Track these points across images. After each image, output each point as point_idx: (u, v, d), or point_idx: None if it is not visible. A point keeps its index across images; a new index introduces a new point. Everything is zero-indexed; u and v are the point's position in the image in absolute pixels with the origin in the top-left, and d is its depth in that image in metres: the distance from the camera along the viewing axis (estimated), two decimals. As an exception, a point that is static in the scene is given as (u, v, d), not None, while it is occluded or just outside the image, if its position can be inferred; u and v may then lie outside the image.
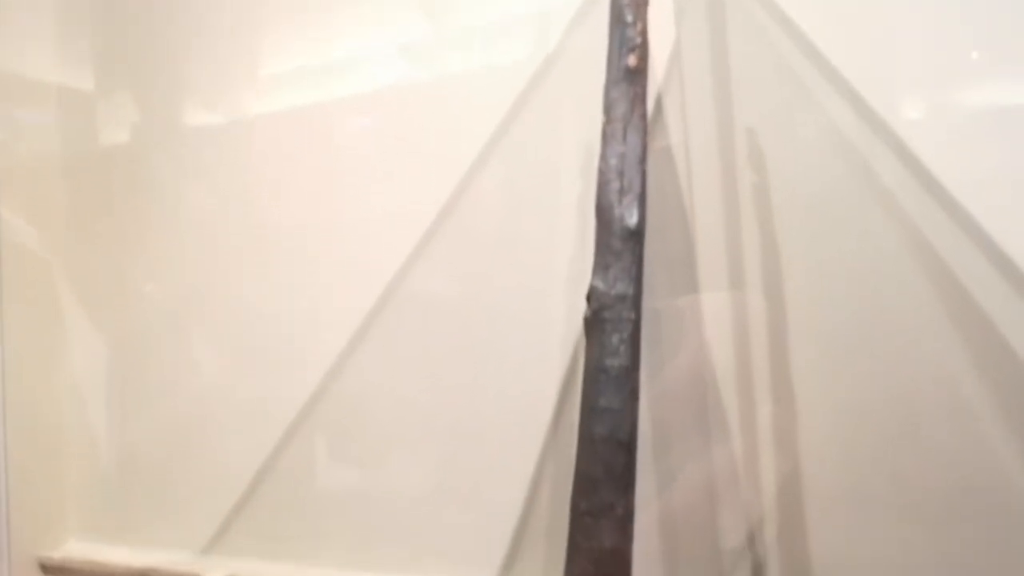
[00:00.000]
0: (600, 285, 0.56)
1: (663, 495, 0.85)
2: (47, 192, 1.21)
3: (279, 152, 1.05)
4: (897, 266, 0.73)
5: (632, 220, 0.56)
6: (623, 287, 0.55)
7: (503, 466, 0.91)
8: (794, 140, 0.78)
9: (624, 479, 0.51)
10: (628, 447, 0.52)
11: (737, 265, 0.79)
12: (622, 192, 0.57)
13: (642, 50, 0.60)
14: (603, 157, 0.58)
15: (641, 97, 0.59)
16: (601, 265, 0.56)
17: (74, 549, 1.17)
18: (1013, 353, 0.69)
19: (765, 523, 0.80)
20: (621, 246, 0.56)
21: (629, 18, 0.60)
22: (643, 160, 0.57)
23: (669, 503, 0.85)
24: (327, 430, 1.02)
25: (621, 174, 0.57)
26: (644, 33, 0.61)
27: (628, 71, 0.59)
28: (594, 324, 0.56)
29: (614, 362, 0.54)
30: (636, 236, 0.56)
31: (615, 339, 0.54)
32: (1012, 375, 0.70)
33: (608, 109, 0.59)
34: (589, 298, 0.57)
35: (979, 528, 0.71)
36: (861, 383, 0.75)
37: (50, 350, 1.21)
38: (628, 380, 0.53)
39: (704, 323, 0.80)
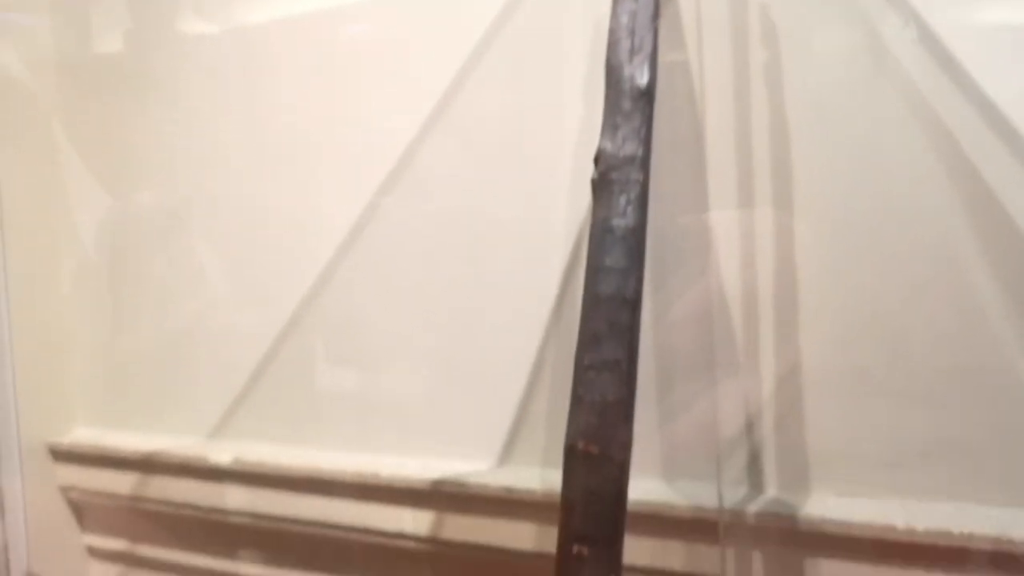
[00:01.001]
0: (608, 146, 0.55)
1: (662, 381, 0.86)
2: (41, 99, 1.19)
3: (278, 56, 1.04)
4: (910, 153, 0.72)
5: (643, 80, 0.55)
6: (632, 148, 0.54)
7: (504, 351, 0.92)
8: (808, 19, 0.76)
9: (628, 335, 0.51)
10: (633, 305, 0.52)
11: (745, 146, 0.78)
12: (632, 52, 0.55)
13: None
14: (614, 15, 0.56)
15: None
16: (610, 126, 0.55)
17: (82, 435, 1.19)
18: (1020, 238, 0.69)
19: (763, 410, 0.82)
20: (631, 107, 0.55)
21: None
22: (655, 18, 0.56)
23: (668, 390, 0.86)
24: (329, 318, 1.03)
25: (632, 32, 0.55)
26: None
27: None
28: (601, 186, 0.55)
29: (620, 223, 0.54)
30: (646, 96, 0.55)
31: (622, 200, 0.54)
32: (1018, 260, 0.70)
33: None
34: (597, 160, 0.56)
35: (979, 411, 0.72)
36: (868, 270, 0.75)
37: (54, 245, 1.21)
38: (634, 240, 0.53)
39: (710, 203, 0.79)
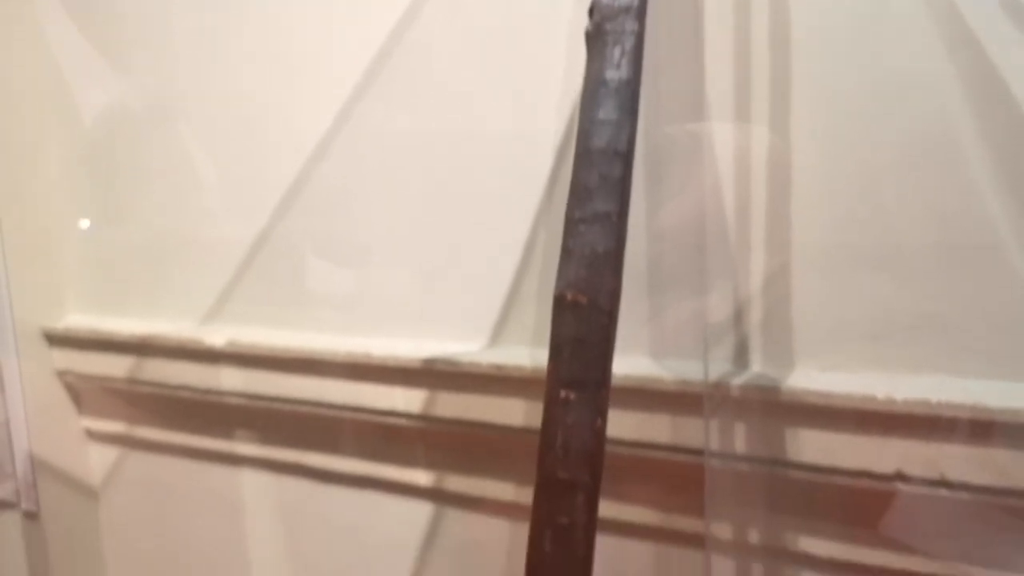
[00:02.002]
0: (604, -3, 0.54)
1: (652, 262, 0.87)
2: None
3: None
4: (908, 25, 0.71)
5: (639, -73, 0.53)
6: (628, -2, 0.53)
7: (495, 233, 0.92)
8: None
9: (619, 189, 0.51)
10: (625, 158, 0.52)
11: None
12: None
13: None
14: None
15: None
16: (605, -25, 0.54)
17: (76, 321, 1.20)
18: (1017, 108, 0.69)
19: (751, 288, 0.82)
20: (627, -45, 0.53)
21: None
22: None
23: (658, 270, 0.87)
24: (318, 204, 1.02)
25: None
26: None
27: None
28: (595, 38, 0.54)
29: (614, 75, 0.53)
30: (643, -56, 0.53)
31: (616, 52, 0.53)
32: (1015, 136, 0.69)
33: None
34: (591, 12, 0.55)
35: (964, 287, 0.72)
36: (861, 147, 0.75)
37: (41, 131, 1.19)
38: (628, 92, 0.52)
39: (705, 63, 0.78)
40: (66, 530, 1.21)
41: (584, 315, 0.51)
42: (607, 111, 0.52)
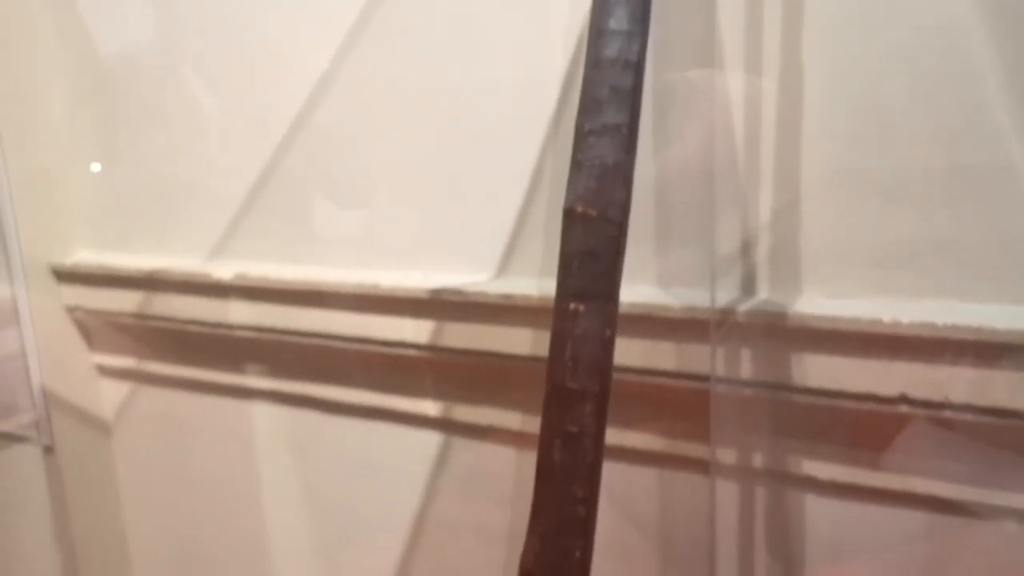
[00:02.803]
0: (614, -97, 0.52)
1: (660, 191, 0.86)
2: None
3: None
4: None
5: None
6: (638, -96, 0.52)
7: (502, 163, 0.92)
8: None
9: (630, 99, 0.51)
10: (636, 69, 0.51)
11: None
12: None
13: None
14: None
15: None
16: None
17: (84, 257, 1.20)
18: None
19: (760, 216, 0.82)
20: None
21: None
22: None
23: (666, 199, 0.87)
24: (323, 137, 1.02)
25: None
26: None
27: None
28: (606, -53, 0.53)
29: (626, -16, 0.52)
30: None
31: (627, -40, 0.52)
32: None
33: None
34: (602, -81, 0.54)
35: (973, 210, 0.72)
36: (871, 67, 0.73)
37: (44, 74, 1.18)
38: (639, 1, 0.51)
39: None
40: (81, 464, 1.23)
41: (593, 228, 0.51)
42: (618, 20, 0.51)
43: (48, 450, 1.19)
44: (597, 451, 0.50)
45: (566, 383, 0.50)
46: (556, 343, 0.51)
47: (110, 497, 1.26)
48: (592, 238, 0.51)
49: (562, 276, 0.51)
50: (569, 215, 0.51)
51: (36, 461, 1.19)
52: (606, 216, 0.51)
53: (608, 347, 0.50)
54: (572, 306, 0.50)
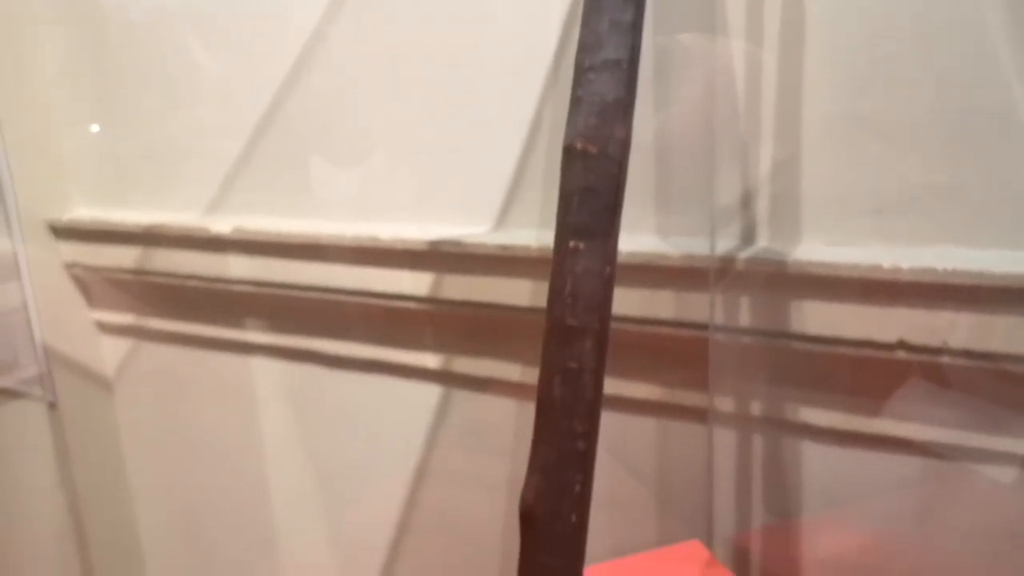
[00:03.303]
0: None
1: (659, 139, 0.86)
2: None
3: None
4: None
5: None
6: None
7: (500, 114, 0.91)
8: None
9: (630, 35, 0.50)
10: (636, 3, 0.50)
11: None
12: None
13: None
14: None
15: None
16: None
17: (81, 213, 1.20)
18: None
19: (760, 163, 0.81)
20: None
21: None
22: None
23: (667, 148, 0.86)
24: (323, 91, 1.01)
25: None
26: None
27: None
28: None
29: (626, -83, 0.51)
30: None
31: None
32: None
33: None
34: None
35: (974, 155, 0.71)
36: (876, 9, 0.72)
37: (39, 31, 1.16)
38: (640, -65, 0.51)
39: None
40: (83, 420, 1.24)
41: (593, 164, 0.50)
42: (618, -45, 0.50)
43: (51, 406, 1.20)
44: (597, 387, 0.50)
45: (566, 320, 0.50)
46: (556, 280, 0.50)
47: (113, 452, 1.27)
48: (592, 175, 0.50)
49: (562, 214, 0.51)
50: (569, 152, 0.51)
51: (39, 417, 1.19)
52: (606, 153, 0.50)
53: (608, 284, 0.50)
54: (572, 244, 0.50)
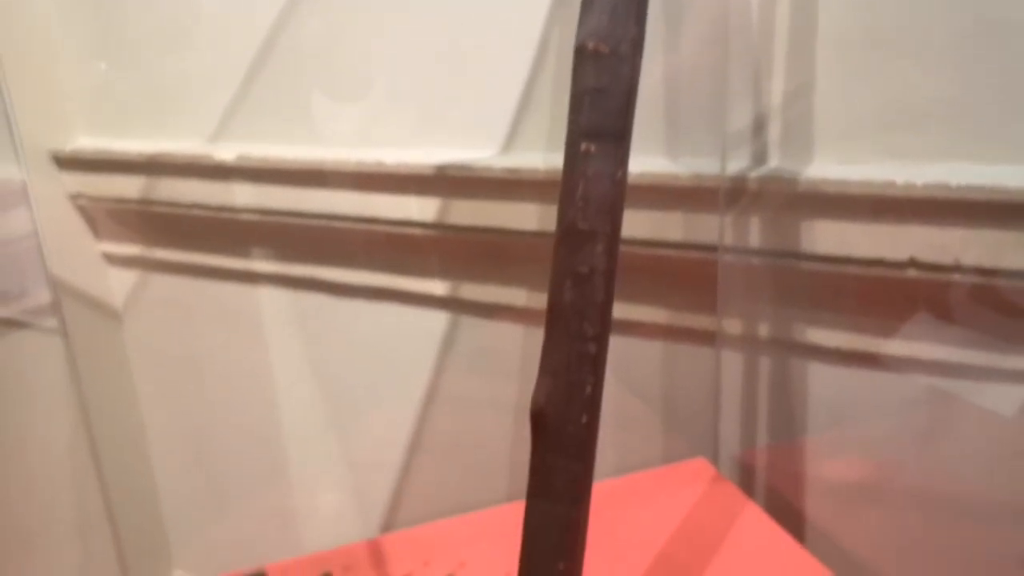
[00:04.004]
0: None
1: (670, 58, 0.84)
2: None
3: None
4: None
5: None
6: None
7: (507, 37, 0.89)
8: None
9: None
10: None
11: None
12: None
13: None
14: None
15: None
16: None
17: (84, 143, 1.18)
18: None
19: (772, 82, 0.80)
20: None
21: None
22: None
23: (677, 68, 0.84)
24: (326, 15, 0.98)
25: None
26: None
27: None
28: None
29: None
30: None
31: None
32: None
33: None
34: None
35: (989, 70, 0.70)
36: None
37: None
38: None
39: None
40: (93, 351, 1.25)
41: (605, 65, 0.49)
42: None
43: (61, 336, 1.20)
44: (608, 290, 0.50)
45: (577, 224, 0.49)
46: (567, 183, 0.50)
47: (124, 381, 1.28)
48: (604, 75, 0.49)
49: (573, 116, 0.50)
50: (580, 52, 0.50)
51: (49, 347, 1.20)
52: (618, 52, 0.49)
53: (620, 187, 0.50)
54: (583, 146, 0.49)
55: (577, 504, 0.49)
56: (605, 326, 0.50)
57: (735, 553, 0.70)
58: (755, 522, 0.74)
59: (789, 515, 0.80)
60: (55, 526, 1.03)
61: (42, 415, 1.11)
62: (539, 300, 0.84)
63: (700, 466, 0.84)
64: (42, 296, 1.15)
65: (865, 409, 0.82)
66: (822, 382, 0.83)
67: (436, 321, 1.03)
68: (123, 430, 1.28)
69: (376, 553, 0.73)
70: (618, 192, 0.50)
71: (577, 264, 0.50)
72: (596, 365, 0.50)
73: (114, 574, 1.01)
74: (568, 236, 0.50)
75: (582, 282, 0.49)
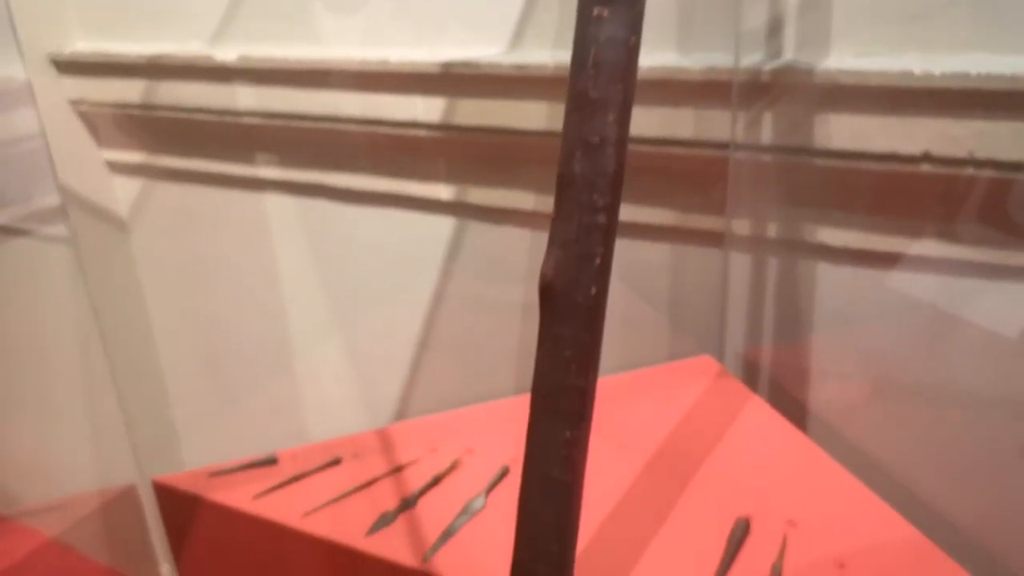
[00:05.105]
0: None
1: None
2: None
3: None
4: None
5: None
6: None
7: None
8: None
9: None
10: None
11: None
12: None
13: None
14: None
15: None
16: None
17: (82, 46, 1.16)
18: None
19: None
20: None
21: None
22: None
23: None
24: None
25: None
26: None
27: None
28: None
29: None
30: None
31: None
32: None
33: None
34: None
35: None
36: None
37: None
38: None
39: None
40: (101, 259, 1.25)
41: (619, -74, 0.47)
42: None
43: (68, 244, 1.20)
44: (619, 160, 0.49)
45: (588, 92, 0.48)
46: (578, 50, 0.48)
47: (132, 290, 1.28)
48: (617, -63, 0.47)
49: (584, -20, 0.48)
50: (593, -87, 0.48)
51: (56, 254, 1.20)
52: (633, -87, 0.47)
53: (633, 54, 0.48)
54: (596, 11, 0.48)
55: (585, 374, 0.49)
56: (616, 197, 0.49)
57: (738, 442, 0.71)
58: (759, 414, 0.75)
59: (793, 409, 0.80)
60: (69, 427, 1.05)
61: (52, 321, 1.12)
62: (547, 204, 0.83)
63: (705, 363, 0.85)
64: (47, 202, 1.14)
65: (872, 308, 0.82)
66: (829, 282, 0.83)
67: (442, 226, 1.03)
68: (131, 333, 1.29)
69: (385, 441, 0.74)
70: (631, 59, 0.48)
71: (588, 134, 0.49)
72: (606, 236, 0.49)
73: (130, 467, 1.04)
74: (579, 105, 0.49)
75: (593, 152, 0.49)
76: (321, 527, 0.63)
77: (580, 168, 0.49)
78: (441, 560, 0.59)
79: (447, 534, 0.62)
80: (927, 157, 0.73)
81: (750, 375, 0.88)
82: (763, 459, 0.68)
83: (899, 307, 0.80)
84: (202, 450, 1.30)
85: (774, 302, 0.87)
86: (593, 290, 0.49)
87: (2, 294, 1.04)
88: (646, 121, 0.83)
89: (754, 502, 0.62)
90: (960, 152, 0.71)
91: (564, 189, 0.50)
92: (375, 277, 1.09)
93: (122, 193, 1.25)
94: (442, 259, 1.04)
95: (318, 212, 1.10)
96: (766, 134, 0.81)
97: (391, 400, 1.11)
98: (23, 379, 1.07)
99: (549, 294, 0.50)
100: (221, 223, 1.18)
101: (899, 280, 0.79)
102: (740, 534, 0.60)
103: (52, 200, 1.14)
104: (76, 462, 1.02)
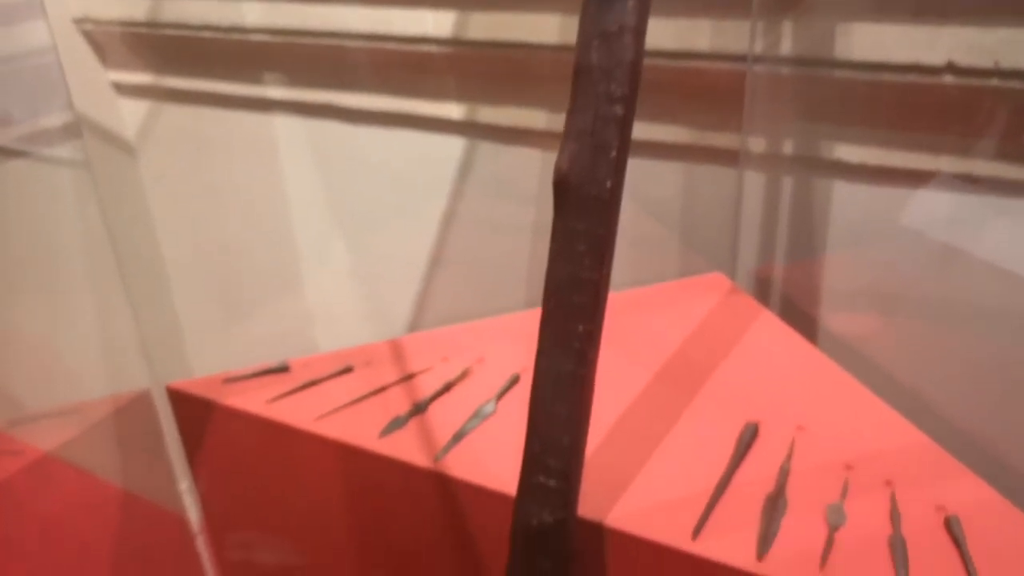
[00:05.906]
0: None
1: None
2: None
3: None
4: None
5: None
6: None
7: None
8: None
9: None
10: None
11: None
12: None
13: None
14: None
15: None
16: None
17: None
18: None
19: None
20: None
21: None
22: None
23: None
24: None
25: None
26: None
27: None
28: None
29: None
30: None
31: None
32: None
33: None
34: None
35: None
36: None
37: None
38: None
39: None
40: (110, 181, 1.24)
41: None
42: None
43: (82, 166, 1.19)
44: (638, 49, 0.48)
45: (606, -20, 0.47)
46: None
47: (141, 212, 1.28)
48: None
49: None
50: None
51: (65, 173, 1.19)
52: None
53: (652, -59, 0.47)
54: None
55: (599, 268, 0.49)
56: (634, 88, 0.48)
57: (749, 353, 0.71)
58: (769, 327, 0.75)
59: (805, 325, 0.80)
60: (82, 341, 1.06)
61: (64, 239, 1.12)
62: (557, 122, 0.82)
63: (717, 279, 0.84)
64: (55, 121, 1.13)
65: (887, 226, 0.81)
66: (845, 200, 0.82)
67: (453, 146, 1.02)
68: (141, 254, 1.29)
69: (396, 351, 0.74)
70: (651, -58, 0.47)
71: (606, 23, 0.48)
72: (623, 128, 0.48)
73: (143, 375, 1.06)
74: (595, -5, 0.47)
75: (611, 40, 0.47)
76: (334, 430, 0.64)
77: (597, 57, 0.48)
78: (452, 461, 0.60)
79: (458, 437, 0.63)
80: (950, 68, 0.71)
81: (762, 292, 0.87)
82: (773, 369, 0.68)
83: (915, 225, 0.79)
84: (213, 367, 1.31)
85: (788, 220, 0.86)
86: (608, 183, 0.49)
87: (13, 214, 1.04)
88: (661, 32, 0.81)
89: (764, 408, 0.63)
90: (985, 62, 0.69)
91: (580, 80, 0.49)
92: (385, 198, 1.09)
93: (129, 115, 1.24)
94: (452, 180, 1.03)
95: (326, 133, 1.09)
96: (785, 45, 0.79)
97: (402, 317, 1.12)
98: (36, 302, 1.08)
99: (563, 187, 0.49)
100: (229, 144, 1.17)
101: (916, 198, 0.78)
102: (749, 437, 0.60)
103: (59, 120, 1.13)
104: (90, 380, 1.03)
